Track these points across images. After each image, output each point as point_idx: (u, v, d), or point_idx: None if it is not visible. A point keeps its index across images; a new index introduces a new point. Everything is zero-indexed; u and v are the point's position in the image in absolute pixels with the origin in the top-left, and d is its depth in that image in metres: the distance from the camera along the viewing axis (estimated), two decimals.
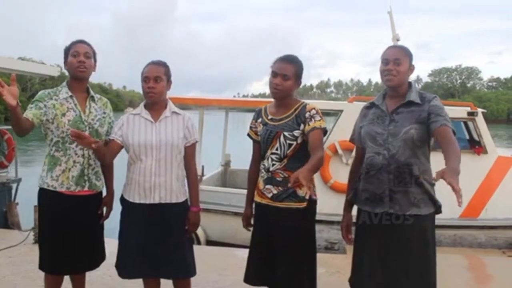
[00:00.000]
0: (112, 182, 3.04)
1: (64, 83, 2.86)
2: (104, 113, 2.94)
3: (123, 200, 2.83)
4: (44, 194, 2.79)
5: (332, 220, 6.33)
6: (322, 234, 6.16)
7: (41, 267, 2.85)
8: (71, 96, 2.80)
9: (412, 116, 2.47)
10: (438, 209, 2.52)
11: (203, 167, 7.33)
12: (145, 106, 2.83)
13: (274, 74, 2.69)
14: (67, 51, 2.82)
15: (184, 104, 8.22)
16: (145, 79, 2.74)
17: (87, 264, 2.92)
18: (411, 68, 2.55)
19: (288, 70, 2.68)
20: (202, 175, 7.27)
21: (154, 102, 2.78)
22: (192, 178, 2.88)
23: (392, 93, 2.58)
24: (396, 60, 2.49)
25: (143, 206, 2.73)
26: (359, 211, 2.68)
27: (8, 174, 7.62)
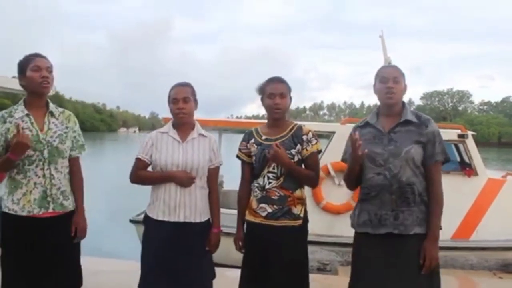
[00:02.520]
0: (82, 200, 2.80)
1: (21, 101, 2.68)
2: (67, 127, 2.75)
3: (147, 219, 2.84)
4: (5, 218, 2.61)
5: (324, 240, 6.34)
6: (314, 255, 6.14)
7: None
8: (27, 115, 2.63)
9: (411, 136, 2.48)
10: None
11: None
12: (173, 126, 2.87)
13: (272, 96, 2.77)
14: (24, 65, 2.64)
15: None
16: (173, 101, 2.79)
17: None
18: (405, 87, 2.59)
19: (283, 89, 2.80)
20: None
21: (184, 123, 2.83)
22: (214, 199, 2.91)
23: (388, 112, 2.58)
24: (395, 78, 2.52)
25: (167, 224, 2.75)
26: (357, 234, 2.64)
27: None
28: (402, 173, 2.45)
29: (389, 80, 2.52)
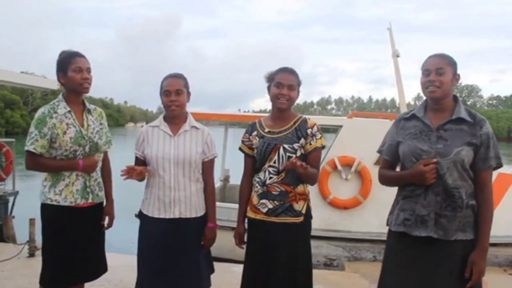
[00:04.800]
0: (111, 191, 2.99)
1: (61, 97, 2.80)
2: (101, 124, 2.91)
3: (141, 215, 2.80)
4: (47, 209, 2.74)
5: (330, 236, 6.29)
6: (321, 250, 6.10)
7: (43, 282, 2.77)
8: (69, 111, 2.75)
9: (463, 136, 2.25)
10: None
11: None
12: (165, 119, 2.81)
13: (280, 85, 2.67)
14: (65, 64, 2.73)
15: None
16: (166, 92, 2.71)
17: (88, 275, 2.87)
18: (456, 78, 2.34)
19: (293, 81, 2.69)
20: None
21: (176, 115, 2.76)
22: (210, 193, 2.84)
23: (436, 106, 2.35)
24: (439, 69, 2.28)
25: (163, 221, 2.70)
26: (391, 233, 2.46)
27: (5, 187, 7.59)
28: (448, 175, 2.23)
29: (431, 72, 2.29)
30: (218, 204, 7.85)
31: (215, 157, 2.85)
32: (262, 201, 2.68)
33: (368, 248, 6.19)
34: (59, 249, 2.72)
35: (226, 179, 8.63)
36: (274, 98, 2.70)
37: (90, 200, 2.80)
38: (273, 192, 2.65)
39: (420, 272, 2.28)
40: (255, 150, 2.75)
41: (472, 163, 2.27)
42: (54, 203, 2.71)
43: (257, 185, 2.72)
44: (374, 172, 6.52)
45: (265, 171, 2.68)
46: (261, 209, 2.68)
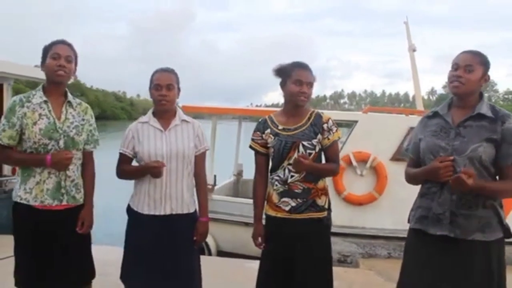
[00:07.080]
0: (92, 195, 2.73)
1: (40, 87, 2.61)
2: (83, 119, 2.68)
3: (130, 211, 2.73)
4: (17, 209, 2.54)
5: (345, 232, 6.24)
6: (335, 246, 6.04)
7: (16, 283, 2.58)
8: (45, 101, 2.55)
9: (482, 132, 2.20)
10: (506, 233, 2.24)
11: (215, 176, 7.29)
12: (154, 114, 2.75)
13: (300, 83, 2.60)
14: (45, 52, 2.57)
15: (197, 113, 8.16)
16: (156, 86, 2.65)
17: (70, 283, 2.62)
18: (485, 78, 2.27)
19: (311, 78, 2.65)
20: (215, 184, 7.22)
21: (165, 110, 2.71)
22: (202, 187, 2.79)
23: (459, 104, 2.31)
24: (468, 66, 2.22)
25: (153, 217, 2.64)
26: (410, 230, 2.45)
27: None
28: None
29: (459, 68, 2.24)
30: (231, 199, 7.91)
31: (206, 149, 2.80)
32: (284, 199, 2.63)
33: (383, 244, 6.13)
34: (27, 254, 2.53)
35: (239, 174, 8.60)
36: (294, 96, 2.63)
37: (64, 202, 2.56)
38: (296, 190, 2.61)
39: (434, 271, 2.25)
40: (271, 149, 2.68)
41: (495, 159, 2.21)
42: (24, 202, 2.50)
43: (277, 183, 2.66)
44: (389, 168, 6.47)
45: (284, 169, 2.63)
46: (283, 207, 2.64)
